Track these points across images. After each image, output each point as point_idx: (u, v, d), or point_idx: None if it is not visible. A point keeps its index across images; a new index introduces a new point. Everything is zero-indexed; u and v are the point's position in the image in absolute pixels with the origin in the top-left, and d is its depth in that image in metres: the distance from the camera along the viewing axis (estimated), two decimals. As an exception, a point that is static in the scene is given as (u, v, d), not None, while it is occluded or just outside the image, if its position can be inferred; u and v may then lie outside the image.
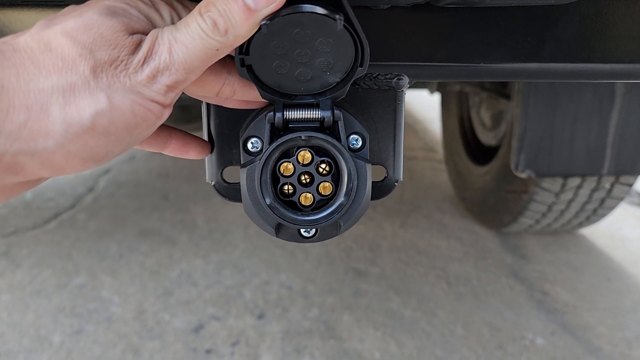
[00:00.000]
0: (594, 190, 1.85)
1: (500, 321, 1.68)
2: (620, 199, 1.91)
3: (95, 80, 0.43)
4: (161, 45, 0.44)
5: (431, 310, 1.72)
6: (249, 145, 0.58)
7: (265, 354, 1.51)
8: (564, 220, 2.03)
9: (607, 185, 1.83)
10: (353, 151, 0.58)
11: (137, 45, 0.44)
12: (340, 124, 0.56)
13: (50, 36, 0.43)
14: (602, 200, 1.91)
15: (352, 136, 0.58)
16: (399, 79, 0.63)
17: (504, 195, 2.03)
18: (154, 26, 0.47)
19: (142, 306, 1.72)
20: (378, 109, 0.65)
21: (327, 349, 1.53)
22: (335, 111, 0.56)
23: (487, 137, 2.31)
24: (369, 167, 0.58)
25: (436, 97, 3.73)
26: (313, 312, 1.70)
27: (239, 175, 0.59)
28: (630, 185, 1.84)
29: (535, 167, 1.57)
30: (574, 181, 1.80)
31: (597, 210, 1.97)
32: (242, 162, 0.58)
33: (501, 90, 2.04)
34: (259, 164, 0.56)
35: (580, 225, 2.11)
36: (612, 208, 1.97)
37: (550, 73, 0.64)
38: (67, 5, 0.47)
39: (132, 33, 0.45)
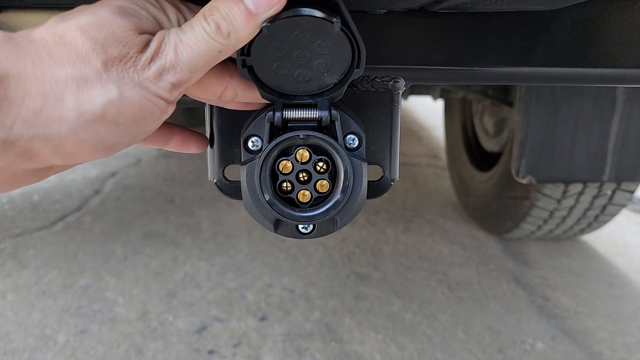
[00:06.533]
0: (595, 197, 1.86)
1: (500, 325, 1.69)
2: (622, 205, 1.92)
3: (107, 73, 0.45)
4: (167, 46, 0.47)
5: (432, 314, 1.73)
6: (250, 144, 0.60)
7: (266, 356, 1.52)
8: (566, 227, 2.04)
9: (609, 192, 1.84)
10: (350, 150, 0.60)
11: (146, 45, 0.47)
12: (338, 123, 0.58)
13: (64, 30, 0.45)
14: (604, 207, 1.92)
15: (349, 136, 0.60)
16: (395, 82, 0.65)
17: (506, 202, 2.05)
18: (161, 27, 0.49)
19: (146, 307, 1.74)
20: (375, 111, 0.67)
21: (328, 351, 1.55)
22: (333, 111, 0.58)
23: (489, 144, 2.33)
24: (364, 165, 0.60)
25: (440, 104, 3.75)
26: (315, 315, 1.71)
27: (239, 173, 0.61)
28: (632, 192, 1.85)
29: (536, 173, 1.58)
30: (576, 187, 1.81)
31: (599, 217, 1.98)
32: (242, 160, 0.60)
33: (504, 97, 2.05)
34: (258, 161, 0.58)
35: (582, 231, 2.12)
36: (613, 215, 1.98)
37: (543, 77, 0.65)
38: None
39: (141, 33, 0.47)
